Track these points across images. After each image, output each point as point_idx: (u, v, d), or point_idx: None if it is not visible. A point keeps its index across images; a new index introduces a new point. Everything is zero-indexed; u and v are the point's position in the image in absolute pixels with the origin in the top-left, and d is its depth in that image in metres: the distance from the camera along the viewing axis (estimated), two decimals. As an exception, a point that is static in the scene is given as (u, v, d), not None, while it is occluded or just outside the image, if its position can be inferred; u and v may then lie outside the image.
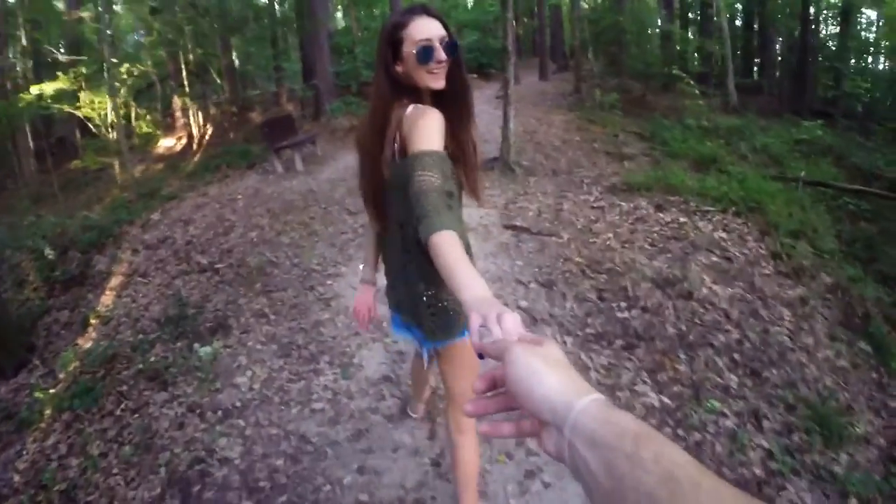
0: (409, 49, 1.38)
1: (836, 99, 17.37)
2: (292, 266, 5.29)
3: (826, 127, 11.18)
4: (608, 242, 5.06)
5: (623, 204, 6.11)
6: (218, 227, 6.71)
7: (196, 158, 12.89)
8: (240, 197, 7.93)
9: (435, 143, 1.28)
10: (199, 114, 14.45)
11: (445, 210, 1.13)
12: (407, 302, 1.67)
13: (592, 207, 6.06)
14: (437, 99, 1.46)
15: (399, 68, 1.43)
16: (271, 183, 8.51)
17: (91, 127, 11.73)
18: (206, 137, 15.05)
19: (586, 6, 16.52)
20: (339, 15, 26.33)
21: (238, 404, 3.32)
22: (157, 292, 5.36)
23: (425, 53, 1.36)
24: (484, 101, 14.04)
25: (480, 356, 0.66)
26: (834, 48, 18.72)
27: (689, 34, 14.46)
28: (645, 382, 3.26)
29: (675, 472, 0.40)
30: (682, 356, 3.53)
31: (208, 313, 4.64)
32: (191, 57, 14.55)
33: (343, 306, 4.36)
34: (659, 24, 17.72)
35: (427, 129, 1.30)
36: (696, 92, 9.24)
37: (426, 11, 1.41)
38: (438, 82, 1.41)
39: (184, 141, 15.62)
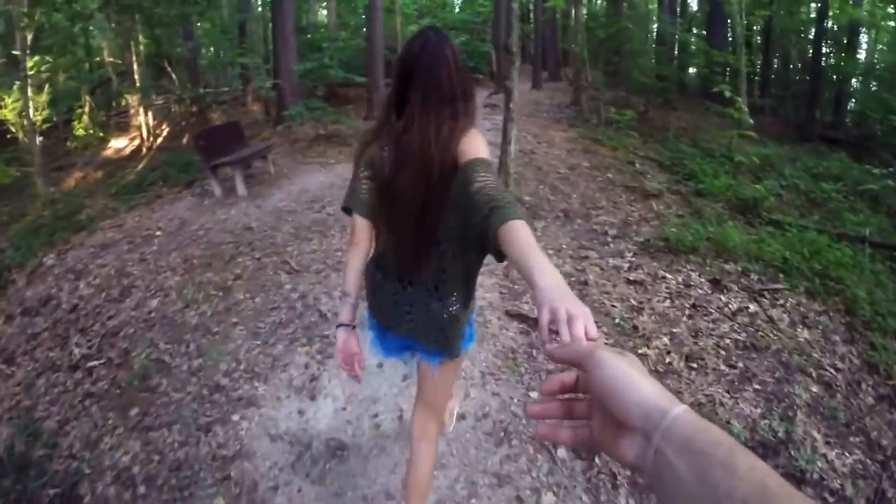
0: None
1: (835, 123, 15.97)
2: (190, 374, 3.35)
3: (848, 159, 9.61)
4: (668, 359, 3.21)
5: (668, 276, 4.31)
6: (113, 287, 4.71)
7: (139, 167, 10.79)
8: (159, 233, 5.92)
9: (488, 154, 1.34)
10: (149, 113, 12.29)
11: (516, 205, 1.11)
12: (423, 322, 1.55)
13: (629, 281, 4.22)
14: None
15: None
16: (204, 211, 6.51)
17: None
18: (160, 140, 12.96)
19: (585, 12, 14.67)
20: (324, 11, 24.22)
21: None
22: (11, 400, 3.45)
23: None
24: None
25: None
26: (837, 69, 17.17)
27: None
28: None
29: (769, 482, 0.39)
30: None
31: (60, 460, 2.80)
32: (141, 47, 12.42)
33: (249, 482, 2.47)
34: (656, 31, 15.98)
35: (480, 142, 1.36)
36: (748, 119, 7.44)
37: None
38: None
39: (136, 142, 13.45)
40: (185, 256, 5.14)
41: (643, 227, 5.43)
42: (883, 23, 14.89)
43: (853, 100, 18.08)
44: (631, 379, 0.50)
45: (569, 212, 5.66)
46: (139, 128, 12.96)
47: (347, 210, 1.57)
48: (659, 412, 0.47)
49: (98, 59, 15.91)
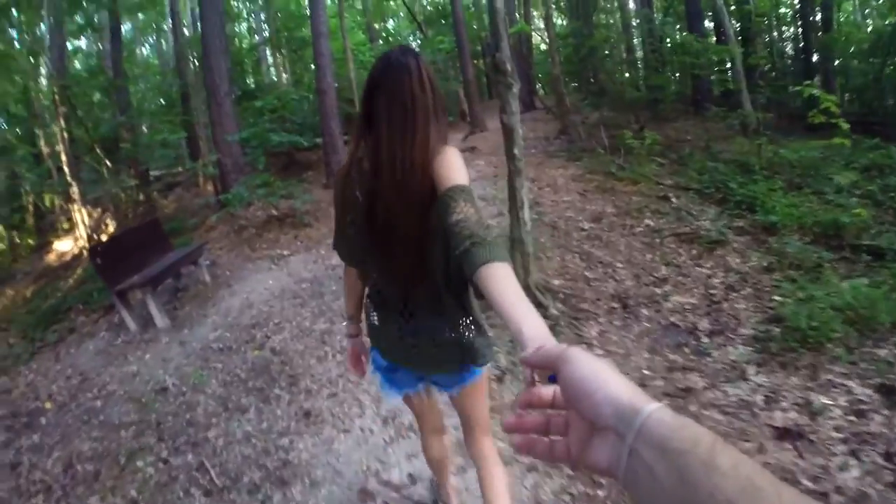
0: None
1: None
2: None
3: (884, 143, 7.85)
4: None
5: (822, 398, 2.49)
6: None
7: (70, 279, 8.83)
8: (49, 406, 4.03)
9: (466, 179, 1.18)
10: (83, 210, 10.37)
11: (495, 241, 0.97)
12: (431, 352, 1.44)
13: (774, 431, 2.31)
14: None
15: None
16: (113, 358, 4.58)
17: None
18: (104, 238, 11.02)
19: (558, 32, 13.08)
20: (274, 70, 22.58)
21: None
22: None
23: None
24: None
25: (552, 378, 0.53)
26: (821, 49, 15.67)
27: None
28: None
29: (756, 479, 0.35)
30: None
31: None
32: (65, 134, 10.55)
33: None
34: (638, 38, 14.42)
35: (461, 166, 1.20)
36: (754, 117, 5.72)
37: None
38: None
39: (81, 243, 11.47)
40: (69, 456, 3.23)
41: (738, 305, 3.55)
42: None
43: (845, 78, 16.59)
44: (602, 376, 0.47)
45: (624, 296, 3.76)
46: (76, 228, 11.04)
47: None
48: (632, 410, 0.43)
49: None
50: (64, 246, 12.19)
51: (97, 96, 13.71)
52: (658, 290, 3.82)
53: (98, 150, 11.03)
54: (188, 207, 11.57)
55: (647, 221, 5.19)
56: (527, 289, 3.72)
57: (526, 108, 15.51)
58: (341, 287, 5.13)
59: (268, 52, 21.23)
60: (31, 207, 13.52)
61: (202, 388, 3.61)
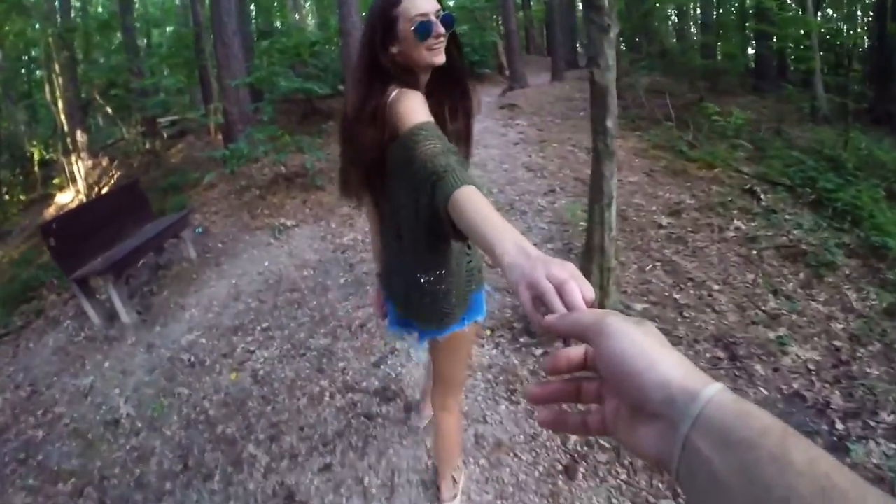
0: (406, 26, 1.17)
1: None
2: None
3: None
4: None
5: None
6: None
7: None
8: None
9: (423, 116, 1.10)
10: (79, 161, 9.49)
11: (459, 167, 0.93)
12: (402, 293, 1.45)
13: None
14: (432, 83, 1.29)
15: (394, 49, 1.21)
16: (70, 362, 3.74)
17: None
18: (104, 191, 10.18)
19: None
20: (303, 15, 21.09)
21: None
22: None
23: (424, 29, 1.16)
24: (484, 113, 9.15)
25: (565, 342, 0.48)
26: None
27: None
28: None
29: (836, 480, 0.29)
30: None
31: None
32: (59, 80, 9.58)
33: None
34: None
35: (411, 107, 1.13)
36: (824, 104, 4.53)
37: None
38: (439, 57, 1.21)
39: (82, 196, 10.64)
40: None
41: (869, 369, 2.55)
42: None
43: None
44: (649, 353, 0.39)
45: (729, 339, 2.75)
46: (74, 180, 10.21)
47: None
48: (686, 395, 0.35)
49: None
50: (65, 198, 11.43)
51: (107, 42, 12.67)
52: (771, 334, 2.78)
53: (98, 98, 10.05)
54: (196, 159, 10.62)
55: (738, 223, 4.08)
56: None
57: (569, 65, 14.05)
58: (350, 278, 4.21)
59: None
60: (32, 159, 12.68)
61: (160, 427, 2.73)
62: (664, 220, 4.09)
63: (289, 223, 5.30)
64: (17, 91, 13.61)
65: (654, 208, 4.35)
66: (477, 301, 1.47)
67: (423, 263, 1.30)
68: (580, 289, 0.50)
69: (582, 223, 4.16)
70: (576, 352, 0.46)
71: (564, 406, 0.48)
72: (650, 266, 3.43)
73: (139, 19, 19.33)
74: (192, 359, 3.29)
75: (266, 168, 6.83)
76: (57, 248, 3.75)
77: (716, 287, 3.23)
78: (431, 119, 1.11)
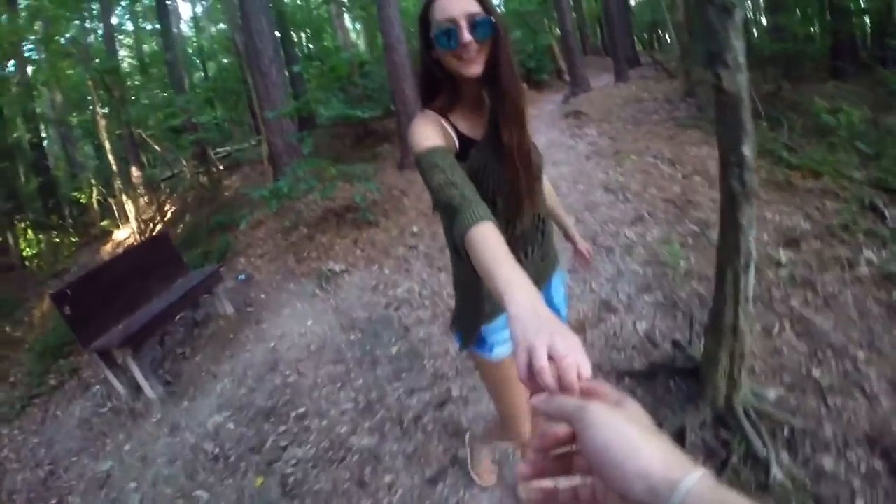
0: (433, 32, 1.08)
1: None
2: None
3: None
4: None
5: None
6: None
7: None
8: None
9: (427, 143, 1.06)
10: (130, 199, 9.47)
11: (475, 200, 0.91)
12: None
13: None
14: (487, 93, 1.18)
15: (435, 54, 1.11)
16: (95, 433, 3.40)
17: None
18: (159, 228, 10.15)
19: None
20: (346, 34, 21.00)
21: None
22: None
23: (444, 36, 1.05)
24: (547, 122, 8.47)
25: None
26: None
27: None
28: None
29: None
30: None
31: None
32: (102, 121, 9.61)
33: None
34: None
35: (417, 131, 1.10)
36: None
37: None
38: (470, 68, 1.07)
39: (135, 236, 10.64)
40: None
41: None
42: None
43: None
44: (631, 442, 0.40)
45: (886, 441, 1.93)
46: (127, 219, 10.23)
47: None
48: (667, 485, 0.37)
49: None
50: (122, 234, 11.51)
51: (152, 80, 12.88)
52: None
53: (143, 135, 10.06)
54: (246, 194, 10.49)
55: (868, 254, 3.20)
56: (729, 411, 2.02)
57: (630, 64, 13.15)
58: (404, 346, 3.32)
59: (345, 14, 19.68)
60: (78, 201, 12.84)
61: None
62: (783, 256, 3.28)
63: (338, 268, 4.78)
64: (75, 133, 13.98)
65: (765, 237, 3.54)
66: (484, 335, 1.32)
67: (455, 275, 1.36)
68: (578, 366, 0.48)
69: (682, 261, 3.44)
70: (563, 431, 0.47)
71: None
72: (777, 328, 2.65)
73: (195, 53, 19.89)
74: (217, 451, 2.78)
75: (314, 203, 6.39)
76: (72, 317, 3.36)
77: (861, 355, 2.41)
78: (439, 144, 1.06)
